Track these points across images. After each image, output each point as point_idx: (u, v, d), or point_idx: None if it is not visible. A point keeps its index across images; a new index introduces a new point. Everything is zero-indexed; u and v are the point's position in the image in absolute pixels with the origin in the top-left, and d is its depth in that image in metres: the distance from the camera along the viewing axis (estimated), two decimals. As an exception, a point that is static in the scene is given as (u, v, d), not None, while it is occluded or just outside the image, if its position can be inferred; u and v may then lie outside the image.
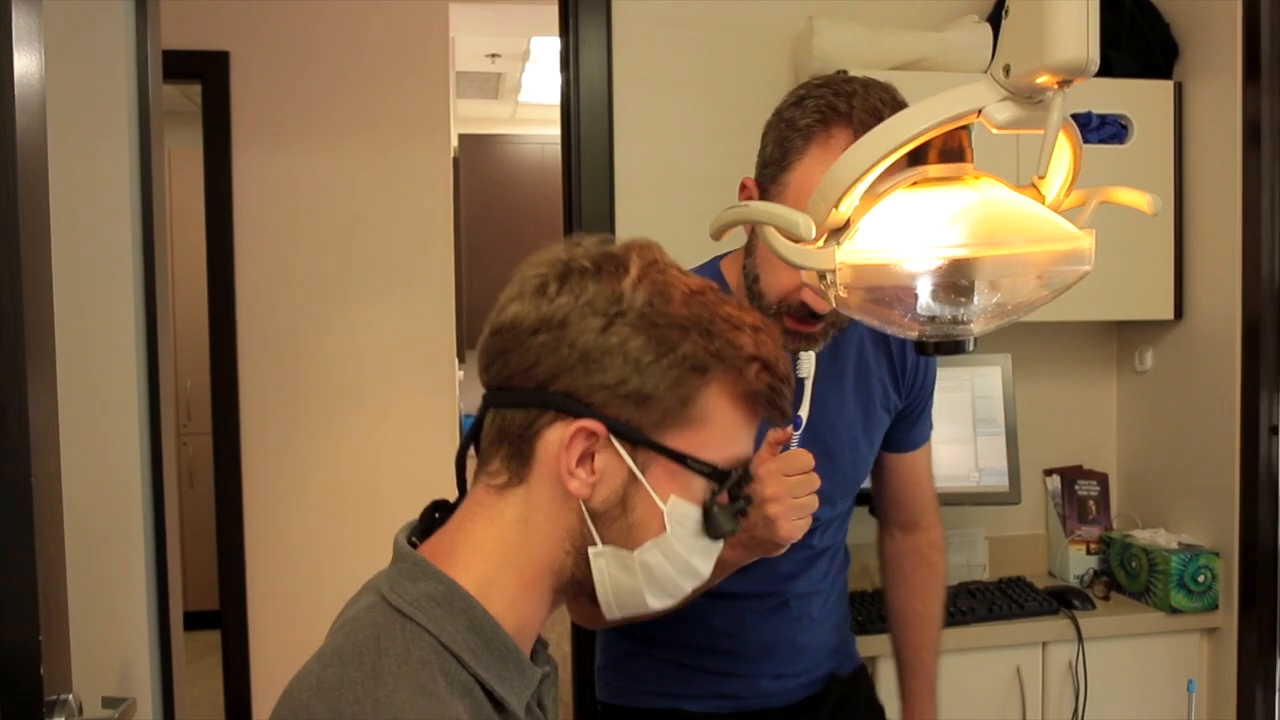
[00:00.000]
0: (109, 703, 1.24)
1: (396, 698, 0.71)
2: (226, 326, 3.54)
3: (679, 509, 0.81)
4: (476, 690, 0.77)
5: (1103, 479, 2.44)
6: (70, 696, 1.13)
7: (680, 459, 0.80)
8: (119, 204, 1.68)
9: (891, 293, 0.78)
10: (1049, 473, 2.46)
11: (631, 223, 2.29)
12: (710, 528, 0.82)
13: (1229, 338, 2.21)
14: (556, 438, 0.79)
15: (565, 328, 0.78)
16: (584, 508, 0.80)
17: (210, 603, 3.72)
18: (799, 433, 1.20)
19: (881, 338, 1.43)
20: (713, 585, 1.30)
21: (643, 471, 0.79)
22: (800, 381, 1.20)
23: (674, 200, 2.31)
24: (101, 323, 1.65)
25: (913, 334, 0.80)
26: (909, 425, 1.51)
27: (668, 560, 0.82)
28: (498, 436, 0.83)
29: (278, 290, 3.56)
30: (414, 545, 0.85)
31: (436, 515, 0.89)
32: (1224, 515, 2.22)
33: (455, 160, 3.95)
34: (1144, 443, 2.46)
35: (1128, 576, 2.29)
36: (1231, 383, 2.20)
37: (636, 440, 0.79)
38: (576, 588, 0.84)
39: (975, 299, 0.77)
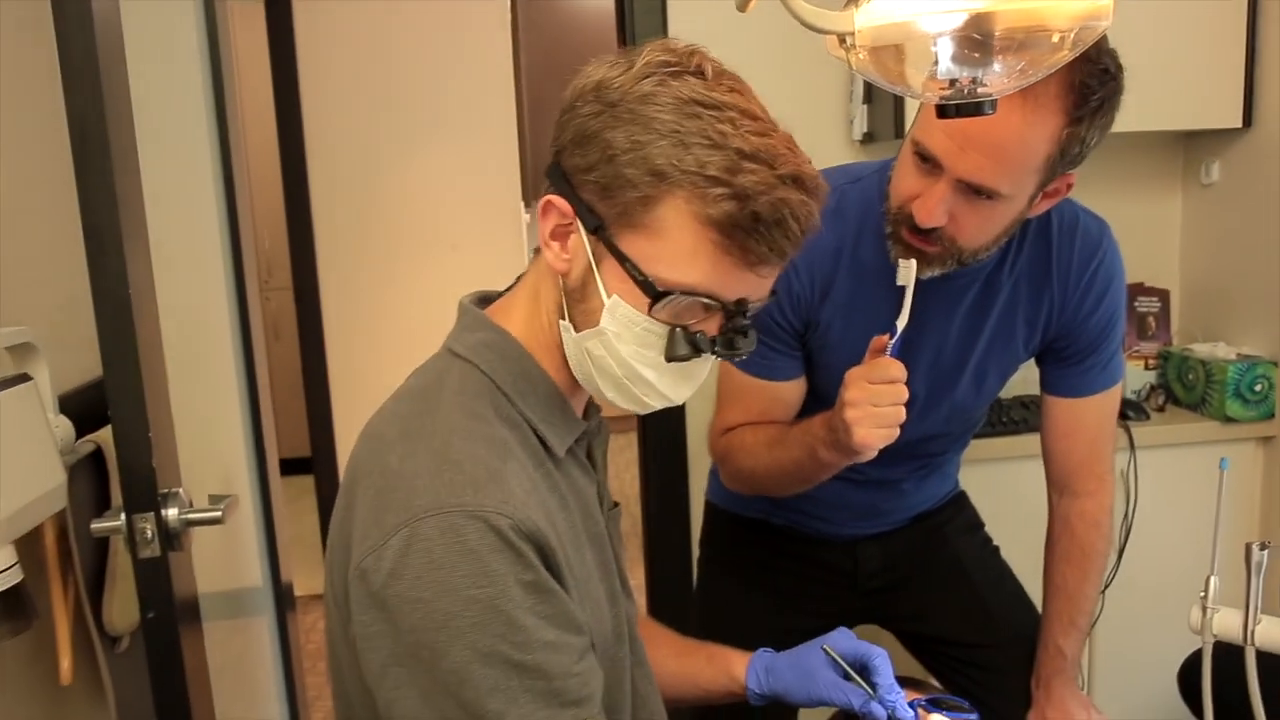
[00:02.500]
0: (214, 500, 1.38)
1: (451, 418, 0.82)
2: (299, 183, 3.62)
3: (620, 309, 0.82)
4: (524, 427, 0.86)
5: (1164, 295, 2.42)
6: (180, 490, 1.27)
7: (621, 259, 0.81)
8: (190, 69, 1.76)
9: (911, 54, 0.80)
10: (1109, 291, 2.45)
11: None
12: (668, 347, 0.82)
13: (1300, 145, 2.16)
14: None
15: (573, 110, 0.83)
16: (561, 282, 0.86)
17: (302, 449, 3.94)
18: (894, 341, 1.15)
19: (1045, 275, 1.35)
20: (820, 482, 1.32)
21: (597, 262, 0.82)
22: (901, 290, 1.17)
23: (730, 21, 2.29)
24: (182, 188, 1.78)
25: (934, 99, 0.83)
26: (1068, 365, 1.41)
27: (609, 355, 0.84)
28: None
29: (346, 144, 3.63)
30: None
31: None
32: (1286, 325, 2.21)
33: (513, 4, 3.92)
34: (1208, 257, 2.43)
35: (1184, 389, 2.31)
36: (1300, 191, 2.16)
37: (596, 229, 0.82)
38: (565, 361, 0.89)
39: (994, 59, 0.80)
